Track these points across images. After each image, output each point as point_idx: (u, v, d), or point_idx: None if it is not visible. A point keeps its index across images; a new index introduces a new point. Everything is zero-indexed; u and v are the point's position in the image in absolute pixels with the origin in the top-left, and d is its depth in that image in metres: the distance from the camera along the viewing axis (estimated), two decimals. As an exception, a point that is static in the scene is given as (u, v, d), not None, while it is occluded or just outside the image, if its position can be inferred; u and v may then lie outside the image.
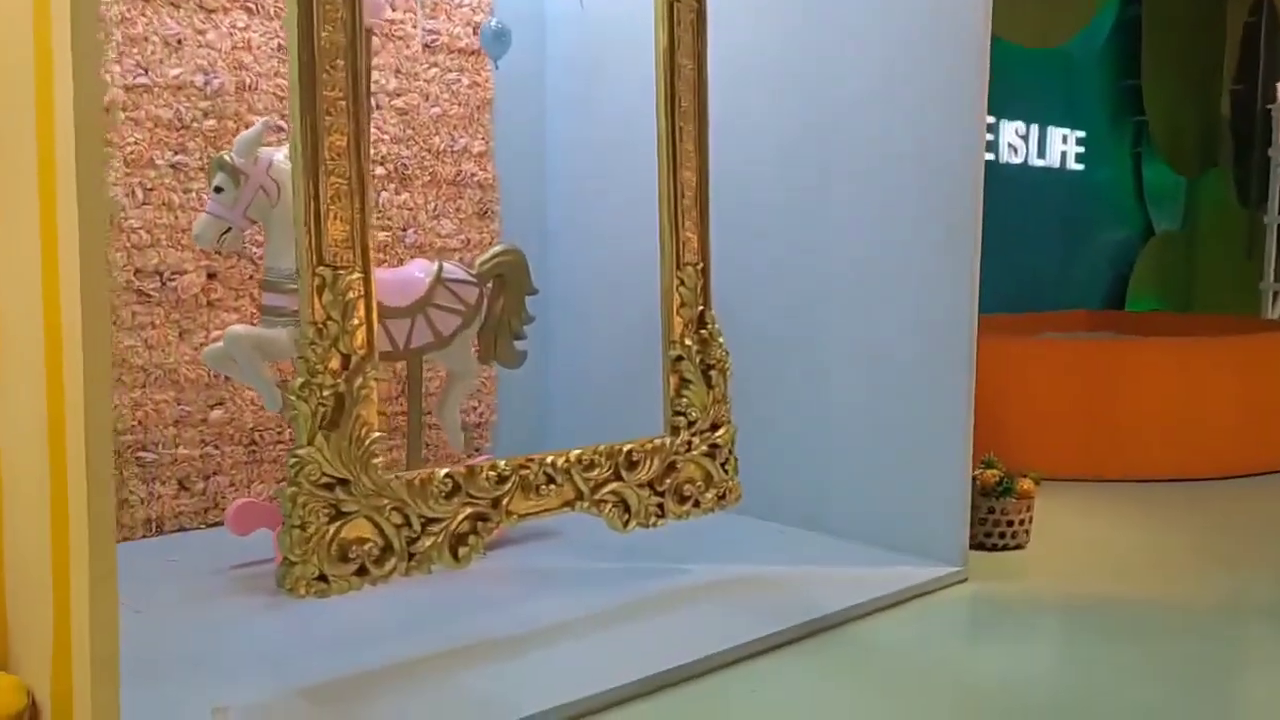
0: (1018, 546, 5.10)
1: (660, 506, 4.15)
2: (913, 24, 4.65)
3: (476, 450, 5.78)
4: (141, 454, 4.82)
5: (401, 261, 5.23)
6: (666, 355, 4.30)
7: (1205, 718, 3.46)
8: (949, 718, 3.43)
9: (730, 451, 4.38)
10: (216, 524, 4.82)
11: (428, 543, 3.48)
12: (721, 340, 4.38)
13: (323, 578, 3.23)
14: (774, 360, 5.13)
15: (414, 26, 5.54)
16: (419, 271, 4.43)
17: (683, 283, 4.29)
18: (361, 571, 3.32)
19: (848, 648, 3.90)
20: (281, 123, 4.83)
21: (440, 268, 4.44)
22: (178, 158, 4.85)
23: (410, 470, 3.67)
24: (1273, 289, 11.14)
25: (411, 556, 3.45)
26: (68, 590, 2.51)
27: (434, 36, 5.65)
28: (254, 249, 4.93)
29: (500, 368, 4.93)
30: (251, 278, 5.02)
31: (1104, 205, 11.18)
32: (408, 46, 5.56)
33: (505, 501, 3.70)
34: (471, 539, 3.60)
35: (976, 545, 4.92)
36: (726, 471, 4.37)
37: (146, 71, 4.76)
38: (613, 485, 4.01)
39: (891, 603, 4.26)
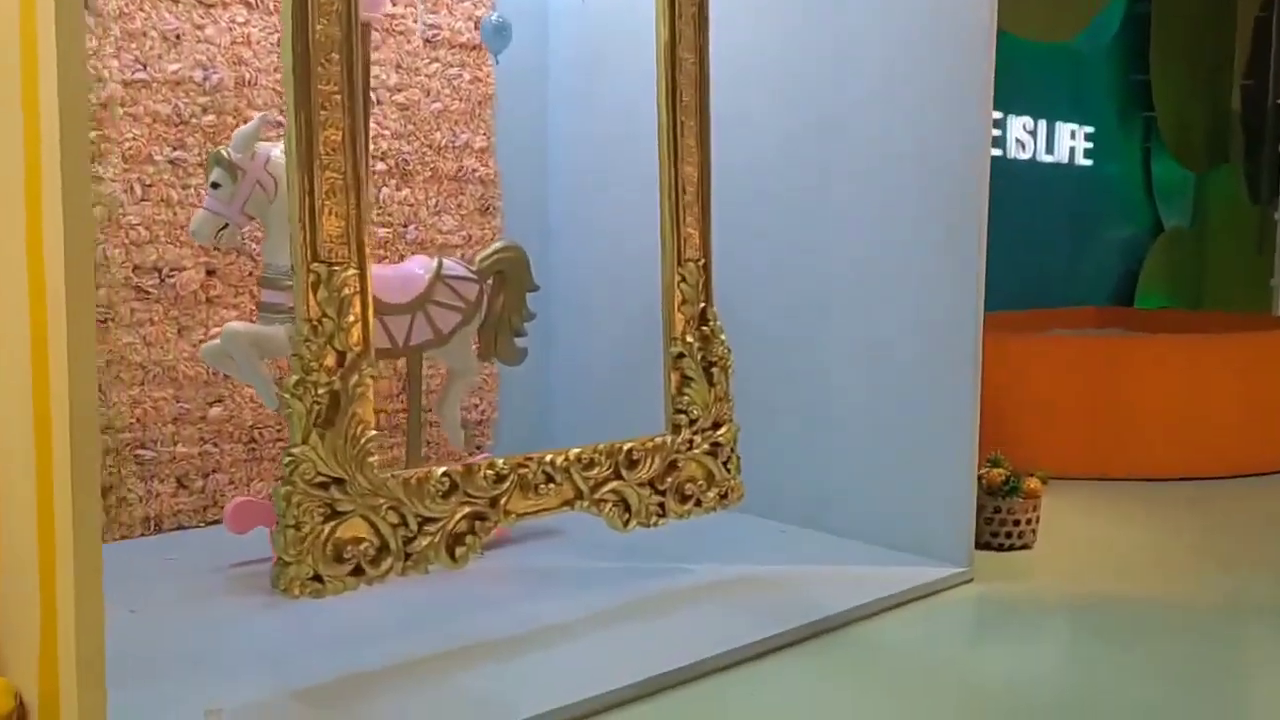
0: (1025, 546, 5.04)
1: (661, 506, 4.11)
2: (915, 23, 4.62)
3: (477, 448, 5.74)
4: (140, 451, 4.80)
5: (403, 258, 5.20)
6: (668, 352, 4.25)
7: (1209, 718, 3.42)
8: (953, 721, 3.39)
9: (733, 450, 4.33)
10: (215, 522, 4.80)
11: (424, 542, 3.45)
12: (723, 337, 4.34)
13: (318, 578, 3.20)
14: (776, 359, 5.09)
15: (415, 21, 5.51)
16: (419, 268, 4.41)
17: (684, 279, 4.25)
18: (357, 572, 3.29)
19: (851, 649, 3.86)
20: (280, 118, 4.79)
21: (440, 264, 4.41)
22: (176, 153, 4.82)
23: (410, 469, 3.63)
24: (1284, 285, 11.09)
25: (408, 556, 3.41)
26: (54, 592, 2.49)
27: (435, 31, 5.61)
28: (253, 245, 4.90)
29: (501, 365, 4.90)
30: (251, 274, 4.98)
31: (1113, 201, 11.11)
32: (408, 41, 5.52)
33: (503, 501, 3.66)
34: (469, 539, 3.56)
35: (983, 545, 4.88)
36: (729, 470, 4.32)
37: (145, 66, 4.73)
38: (613, 484, 3.96)
39: (895, 604, 4.22)
